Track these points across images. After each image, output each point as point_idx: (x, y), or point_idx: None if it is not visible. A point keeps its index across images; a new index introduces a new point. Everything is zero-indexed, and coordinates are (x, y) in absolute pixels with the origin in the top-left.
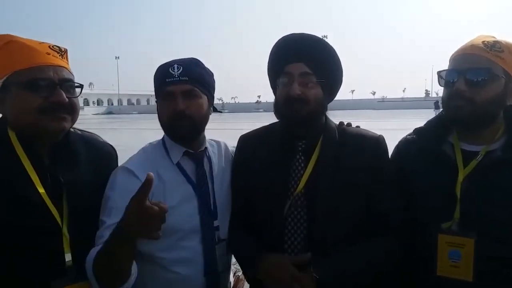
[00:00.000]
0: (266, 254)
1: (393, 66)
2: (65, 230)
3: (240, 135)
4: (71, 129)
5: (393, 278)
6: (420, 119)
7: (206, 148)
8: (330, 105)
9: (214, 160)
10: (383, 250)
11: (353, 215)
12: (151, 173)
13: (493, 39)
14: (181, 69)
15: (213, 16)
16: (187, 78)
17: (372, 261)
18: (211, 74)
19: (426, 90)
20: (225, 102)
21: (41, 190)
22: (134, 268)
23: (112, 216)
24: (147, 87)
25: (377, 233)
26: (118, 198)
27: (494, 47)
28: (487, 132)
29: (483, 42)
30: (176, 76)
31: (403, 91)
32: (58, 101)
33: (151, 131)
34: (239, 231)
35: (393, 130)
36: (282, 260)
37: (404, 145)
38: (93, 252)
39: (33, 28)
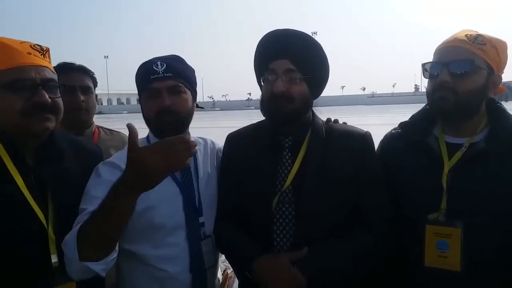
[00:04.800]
0: (261, 254)
1: (383, 61)
2: (50, 231)
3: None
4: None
5: (382, 271)
6: (410, 113)
7: None
8: (320, 101)
9: (200, 157)
10: (367, 245)
11: (340, 211)
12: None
13: (476, 32)
14: (164, 66)
15: (204, 14)
16: (171, 74)
17: (355, 256)
18: (192, 70)
19: (416, 85)
20: (216, 100)
21: (25, 191)
22: (116, 246)
23: (94, 204)
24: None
25: (364, 229)
26: (101, 188)
27: (476, 40)
28: (470, 124)
29: (466, 35)
30: (160, 72)
31: (393, 86)
32: (41, 102)
33: (142, 130)
34: (229, 230)
35: (384, 125)
36: (281, 260)
37: (389, 139)
38: (74, 231)
39: (18, 27)
